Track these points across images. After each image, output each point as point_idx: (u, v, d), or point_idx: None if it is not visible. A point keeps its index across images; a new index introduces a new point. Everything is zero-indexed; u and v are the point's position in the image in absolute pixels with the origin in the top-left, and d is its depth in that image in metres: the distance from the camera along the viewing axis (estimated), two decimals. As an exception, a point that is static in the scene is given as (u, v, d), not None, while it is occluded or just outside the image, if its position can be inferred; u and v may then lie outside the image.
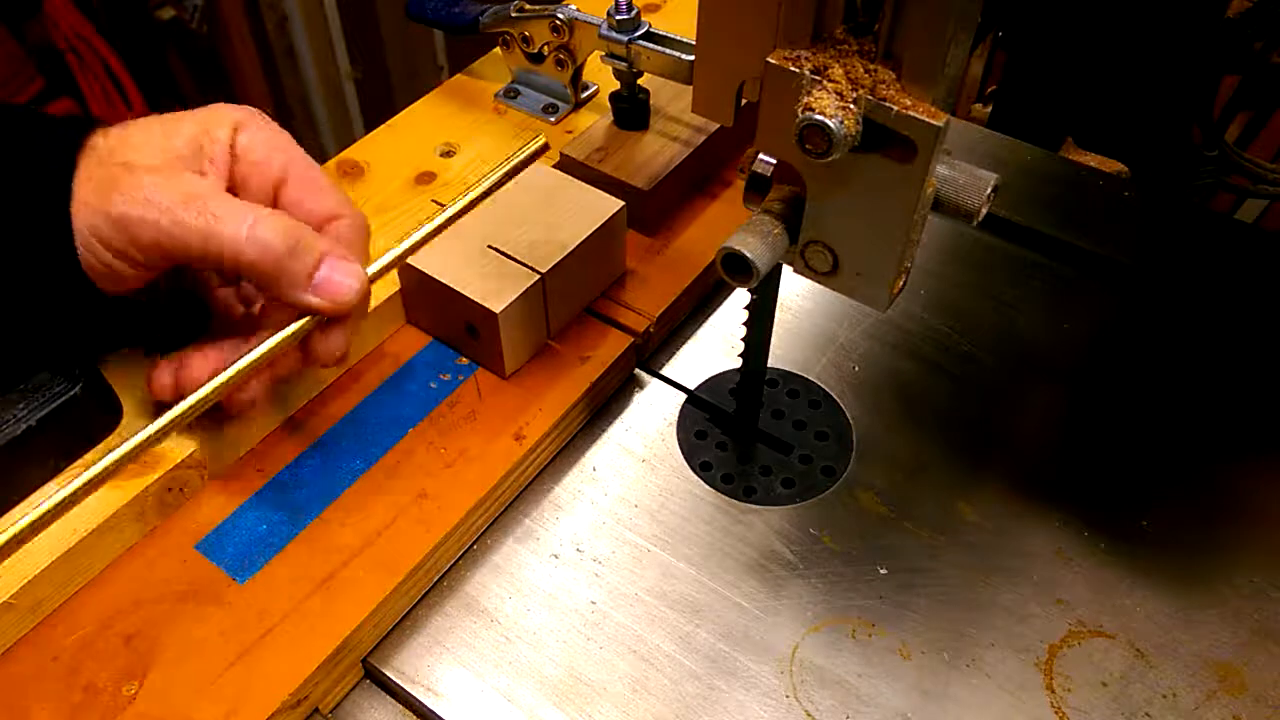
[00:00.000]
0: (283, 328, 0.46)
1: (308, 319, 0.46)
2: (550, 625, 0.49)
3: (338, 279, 0.45)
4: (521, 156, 0.52)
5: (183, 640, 0.46)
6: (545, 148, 0.52)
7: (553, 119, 0.71)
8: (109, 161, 0.44)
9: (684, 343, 0.62)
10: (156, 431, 0.43)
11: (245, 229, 0.43)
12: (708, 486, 0.55)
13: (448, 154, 0.69)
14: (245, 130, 0.48)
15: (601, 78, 0.72)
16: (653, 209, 0.63)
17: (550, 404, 0.55)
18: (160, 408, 0.45)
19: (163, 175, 0.44)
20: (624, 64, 0.63)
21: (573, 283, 0.57)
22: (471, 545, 0.52)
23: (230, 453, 0.52)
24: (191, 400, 0.44)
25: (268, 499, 0.51)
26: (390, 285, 0.57)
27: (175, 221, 0.43)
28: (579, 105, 0.72)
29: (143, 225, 0.43)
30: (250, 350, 0.46)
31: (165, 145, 0.46)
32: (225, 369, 0.46)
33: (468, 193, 0.51)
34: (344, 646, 0.46)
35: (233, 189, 0.48)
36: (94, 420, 0.50)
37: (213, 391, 0.45)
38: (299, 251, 0.44)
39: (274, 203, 0.49)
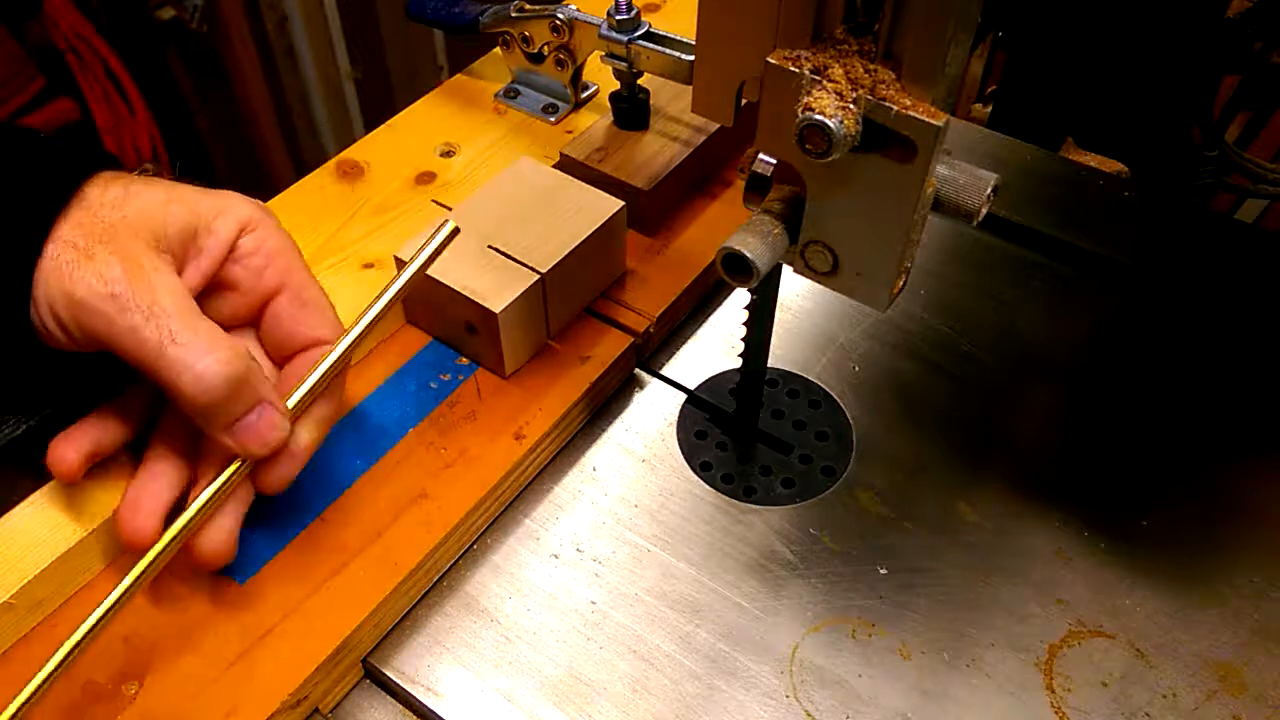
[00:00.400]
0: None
1: (237, 465, 0.45)
2: (550, 625, 0.49)
3: (261, 431, 0.43)
4: (433, 246, 0.49)
5: (183, 640, 0.46)
6: (456, 231, 0.49)
7: (553, 119, 0.71)
8: (91, 226, 0.42)
9: (684, 343, 0.62)
10: (111, 606, 0.42)
11: (194, 361, 0.41)
12: (708, 486, 0.55)
13: (448, 154, 0.69)
14: (252, 233, 0.47)
15: (601, 78, 0.72)
16: (653, 209, 0.63)
17: (550, 404, 0.55)
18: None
19: (136, 270, 0.42)
20: (624, 64, 0.63)
21: (573, 283, 0.57)
22: (471, 545, 0.52)
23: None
24: (146, 561, 0.43)
25: (268, 499, 0.51)
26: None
27: (130, 329, 0.41)
28: (579, 105, 0.72)
29: (98, 319, 0.41)
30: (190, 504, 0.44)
31: (157, 229, 0.44)
32: (111, 442, 0.46)
33: (375, 303, 0.48)
34: (344, 646, 0.46)
35: (218, 286, 0.47)
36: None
37: (164, 549, 0.43)
38: (232, 400, 0.42)
39: (259, 312, 0.48)
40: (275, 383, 0.48)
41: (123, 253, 0.42)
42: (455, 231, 0.49)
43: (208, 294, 0.47)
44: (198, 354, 0.41)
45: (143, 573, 0.42)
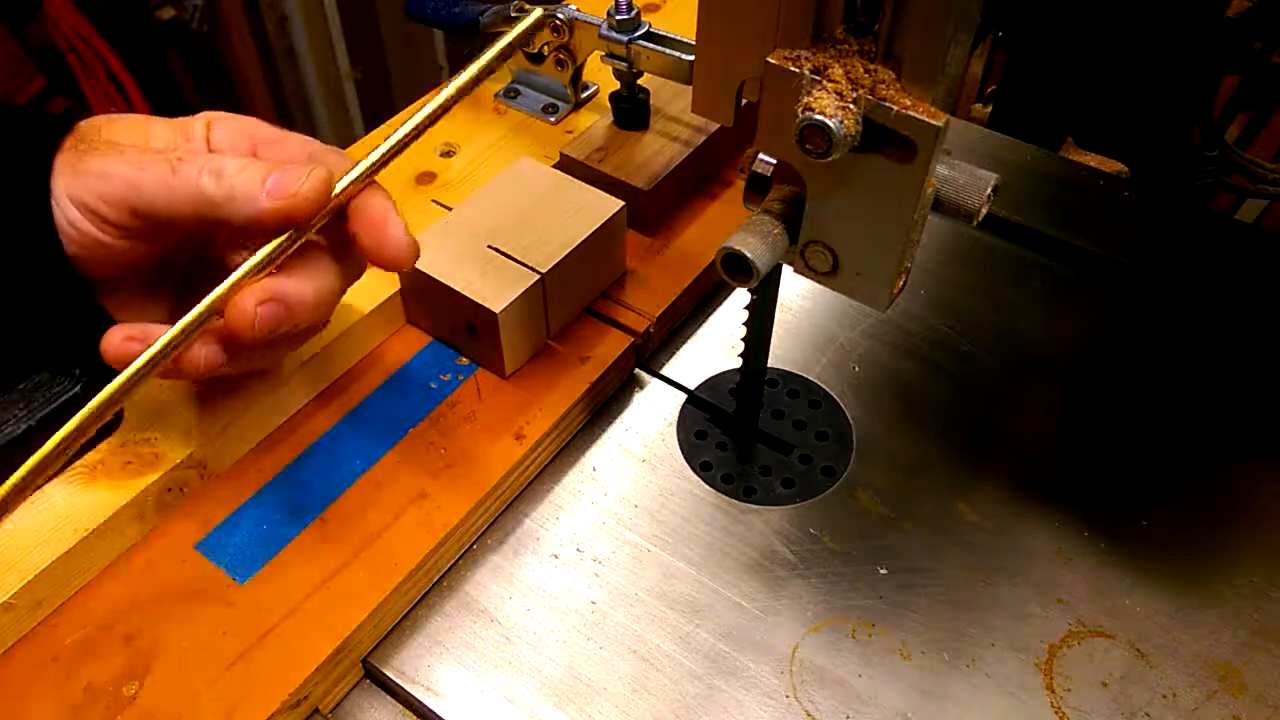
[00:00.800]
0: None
1: (289, 234, 0.44)
2: (550, 625, 0.49)
3: (288, 179, 0.44)
4: (517, 31, 0.49)
5: (183, 640, 0.46)
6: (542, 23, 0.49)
7: (553, 119, 0.71)
8: (91, 138, 0.45)
9: (684, 343, 0.62)
10: (112, 393, 0.43)
11: (201, 161, 0.44)
12: (708, 486, 0.55)
13: (448, 154, 0.69)
14: (217, 125, 0.48)
15: (601, 78, 0.72)
16: (653, 209, 0.63)
17: (550, 404, 0.55)
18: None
19: (133, 129, 0.46)
20: (624, 64, 0.63)
21: (573, 283, 0.57)
22: (471, 545, 0.52)
23: (230, 453, 0.52)
24: (144, 357, 0.43)
25: (268, 499, 0.51)
26: (390, 285, 0.57)
27: (140, 165, 0.43)
28: (579, 105, 0.72)
29: (116, 180, 0.43)
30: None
31: (144, 136, 0.46)
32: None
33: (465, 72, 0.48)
34: (344, 646, 0.46)
35: None
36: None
37: (166, 343, 0.44)
38: (249, 170, 0.44)
39: None
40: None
41: (120, 139, 0.46)
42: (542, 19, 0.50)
43: None
44: (204, 159, 0.44)
45: (187, 324, 0.44)
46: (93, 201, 0.44)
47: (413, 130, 0.47)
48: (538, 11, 0.49)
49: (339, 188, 0.45)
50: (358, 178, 0.46)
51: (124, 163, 0.44)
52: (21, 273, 0.44)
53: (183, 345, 0.44)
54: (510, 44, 0.49)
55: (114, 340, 0.45)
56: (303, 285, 0.45)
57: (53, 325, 0.47)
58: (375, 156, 0.46)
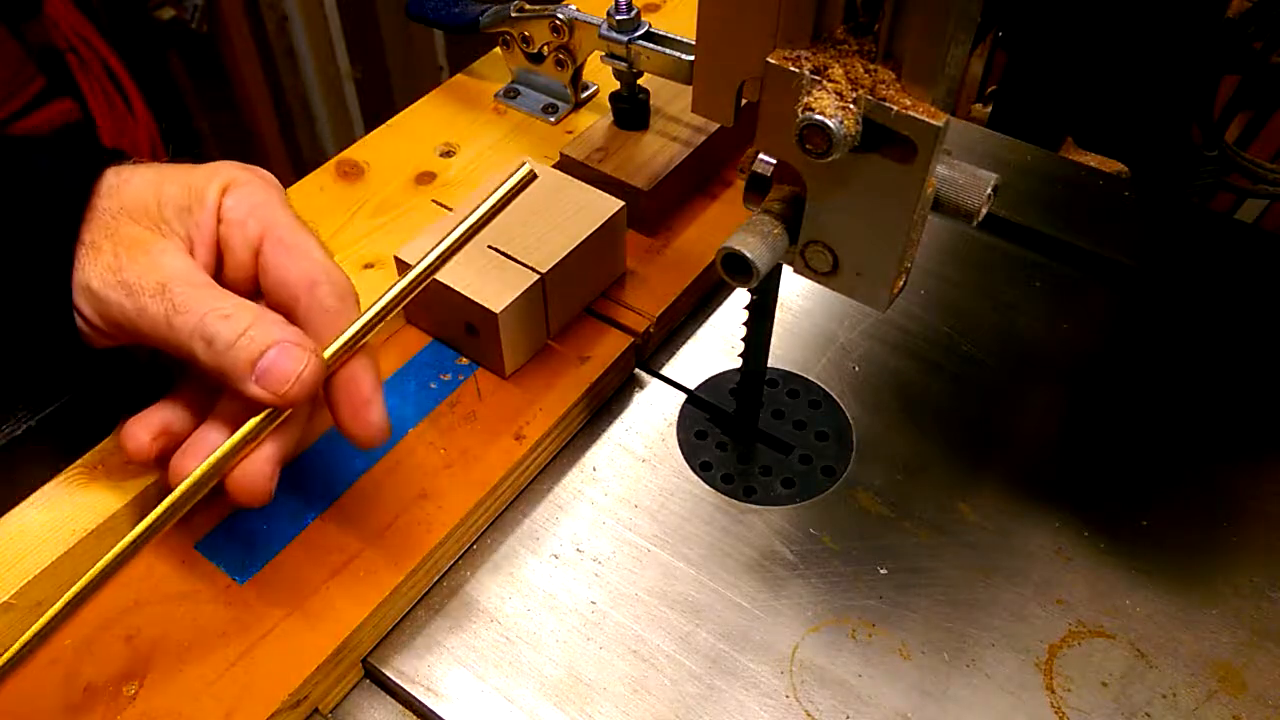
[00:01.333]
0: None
1: (265, 414, 0.43)
2: (550, 625, 0.49)
3: (280, 369, 0.42)
4: (507, 187, 0.46)
5: (183, 640, 0.46)
6: (533, 177, 0.47)
7: (553, 119, 0.71)
8: (98, 220, 0.44)
9: (684, 343, 0.62)
10: (158, 517, 0.43)
11: (197, 324, 0.42)
12: (708, 486, 0.55)
13: (448, 154, 0.69)
14: (233, 192, 0.46)
15: (601, 78, 0.72)
16: (653, 209, 0.63)
17: (550, 404, 0.55)
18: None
19: (144, 253, 0.43)
20: (624, 64, 0.63)
21: (573, 283, 0.57)
22: (471, 545, 0.52)
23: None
24: (190, 481, 0.43)
25: (274, 498, 0.51)
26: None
27: (139, 310, 0.43)
28: (579, 105, 0.72)
29: (113, 308, 0.43)
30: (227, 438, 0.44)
31: (153, 212, 0.45)
32: (181, 425, 0.46)
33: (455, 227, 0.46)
34: (344, 646, 0.46)
35: (222, 252, 0.47)
36: (94, 420, 0.50)
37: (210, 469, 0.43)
38: (239, 347, 0.42)
39: (253, 266, 0.47)
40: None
41: (126, 240, 0.43)
42: (532, 177, 0.46)
43: (220, 265, 0.47)
44: (199, 316, 0.42)
45: (171, 505, 0.42)
46: (93, 318, 0.44)
47: (401, 292, 0.45)
48: (526, 167, 0.47)
49: (327, 353, 0.44)
50: (345, 343, 0.44)
51: (126, 293, 0.43)
52: (29, 334, 0.44)
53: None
54: (501, 199, 0.46)
55: (141, 441, 0.45)
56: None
57: (37, 373, 0.47)
58: (360, 324, 0.44)
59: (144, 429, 0.46)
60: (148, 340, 0.44)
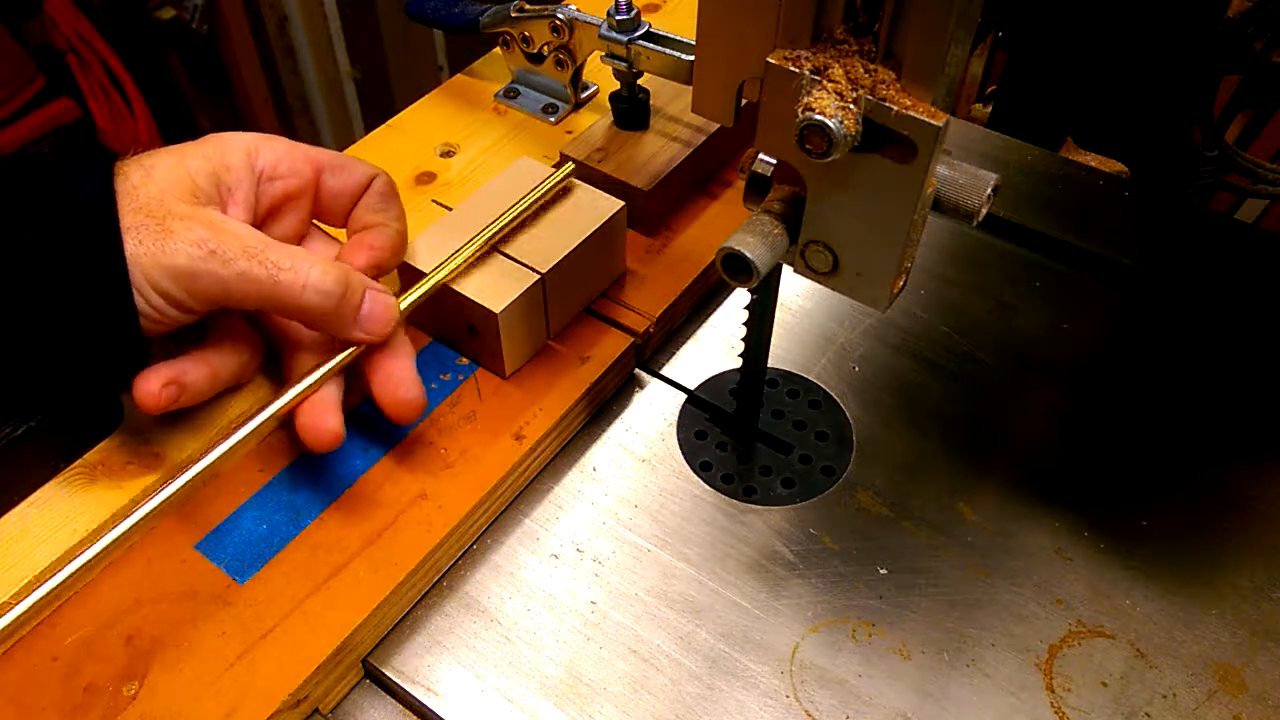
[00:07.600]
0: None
1: (353, 349, 0.50)
2: (550, 625, 0.49)
3: (379, 313, 0.49)
4: (550, 184, 0.56)
5: (183, 640, 0.46)
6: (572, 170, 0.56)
7: (553, 119, 0.71)
8: (146, 206, 0.44)
9: (684, 343, 0.62)
10: (217, 459, 0.46)
11: (304, 279, 0.46)
12: (708, 486, 0.55)
13: (448, 154, 0.69)
14: (261, 152, 0.49)
15: (601, 78, 0.72)
16: (653, 209, 0.63)
17: (550, 404, 0.55)
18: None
19: (217, 225, 0.45)
20: (624, 64, 0.63)
21: (573, 283, 0.57)
22: (471, 545, 0.52)
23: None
24: (260, 419, 0.47)
25: (268, 499, 0.51)
26: (390, 285, 0.57)
27: (240, 274, 0.44)
28: (579, 105, 0.72)
29: (207, 279, 0.44)
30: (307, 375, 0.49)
31: (190, 184, 0.46)
32: (222, 376, 0.48)
33: (500, 219, 0.55)
34: (344, 646, 0.46)
35: (271, 210, 0.51)
36: (94, 420, 0.50)
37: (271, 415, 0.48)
38: (349, 294, 0.47)
39: (311, 212, 0.53)
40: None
41: (190, 215, 0.45)
42: (572, 170, 0.56)
43: (262, 223, 0.51)
44: (304, 272, 0.46)
45: (255, 428, 0.47)
46: (184, 298, 0.44)
47: (466, 259, 0.54)
48: (570, 165, 0.57)
49: (404, 304, 0.51)
50: (415, 300, 0.52)
51: (221, 263, 0.44)
52: (81, 329, 0.44)
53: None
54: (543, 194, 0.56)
55: (152, 389, 0.46)
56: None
57: (91, 368, 0.47)
58: (430, 284, 0.53)
59: (155, 378, 0.47)
60: (240, 304, 0.46)
